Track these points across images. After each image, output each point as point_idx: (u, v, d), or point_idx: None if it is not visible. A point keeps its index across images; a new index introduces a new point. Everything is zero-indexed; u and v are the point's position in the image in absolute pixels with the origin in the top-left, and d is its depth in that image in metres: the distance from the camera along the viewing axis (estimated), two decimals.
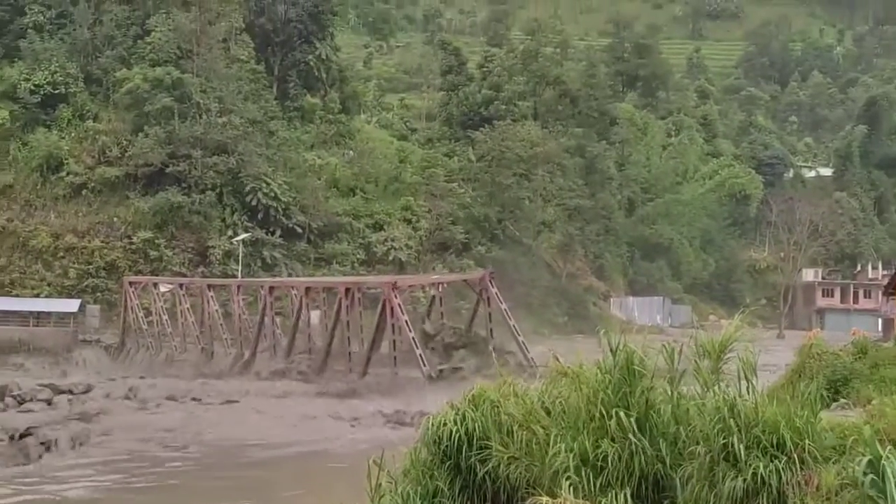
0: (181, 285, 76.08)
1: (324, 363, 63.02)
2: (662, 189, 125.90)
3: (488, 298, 64.35)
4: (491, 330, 64.07)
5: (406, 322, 59.12)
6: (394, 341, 59.16)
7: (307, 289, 68.47)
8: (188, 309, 74.02)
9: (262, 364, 65.80)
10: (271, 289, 69.97)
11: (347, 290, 64.26)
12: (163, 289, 77.83)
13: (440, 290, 68.78)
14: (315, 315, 71.86)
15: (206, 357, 71.17)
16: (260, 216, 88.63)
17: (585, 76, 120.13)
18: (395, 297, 59.68)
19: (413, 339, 58.67)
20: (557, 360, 12.47)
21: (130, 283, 78.72)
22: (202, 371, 67.04)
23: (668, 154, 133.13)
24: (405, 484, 12.40)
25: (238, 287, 72.96)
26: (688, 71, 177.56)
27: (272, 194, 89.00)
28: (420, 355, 57.21)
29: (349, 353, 62.24)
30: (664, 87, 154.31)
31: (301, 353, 65.93)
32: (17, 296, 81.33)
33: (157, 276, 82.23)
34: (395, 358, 58.87)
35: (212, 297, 72.76)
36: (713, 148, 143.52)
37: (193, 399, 56.02)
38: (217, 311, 72.37)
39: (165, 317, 75.25)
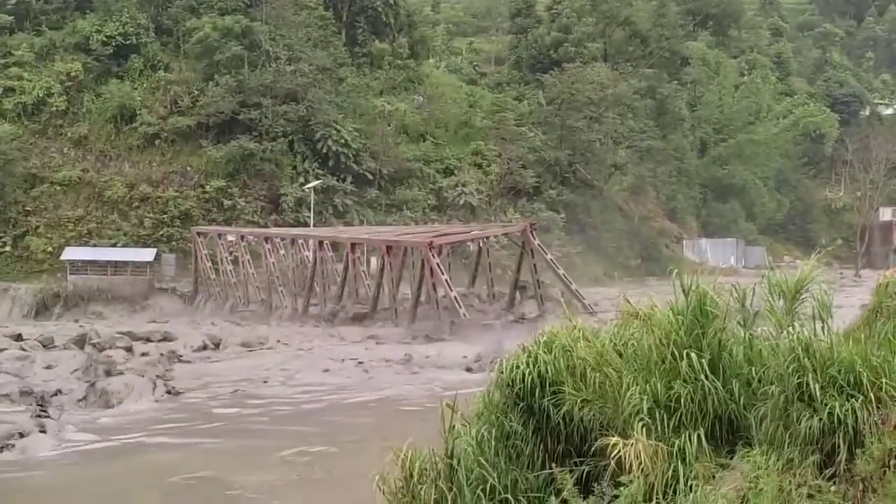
0: (242, 236, 76.61)
1: (372, 311, 63.06)
2: (735, 129, 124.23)
3: (532, 250, 63.62)
4: (538, 280, 63.60)
5: (447, 281, 58.82)
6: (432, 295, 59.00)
7: (353, 245, 68.28)
8: (248, 260, 74.69)
9: (317, 313, 66.20)
10: (321, 243, 69.99)
11: (389, 248, 64.01)
12: (229, 238, 78.63)
13: (483, 243, 67.82)
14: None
15: (266, 307, 71.76)
16: (331, 163, 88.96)
17: (656, 16, 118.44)
18: (434, 255, 59.17)
19: (455, 297, 58.15)
20: (629, 302, 12.46)
21: (198, 233, 79.68)
22: (266, 320, 67.67)
23: (740, 93, 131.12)
24: (479, 426, 12.51)
25: (292, 240, 72.94)
26: (760, 8, 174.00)
27: (342, 141, 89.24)
28: (463, 313, 57.07)
29: (395, 307, 61.98)
30: (736, 26, 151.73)
31: (358, 303, 66.02)
32: (94, 245, 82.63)
33: (230, 224, 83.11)
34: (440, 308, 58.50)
35: (269, 249, 73.30)
36: (787, 86, 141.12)
37: (264, 346, 56.78)
38: (274, 263, 72.71)
39: (230, 267, 76.00)
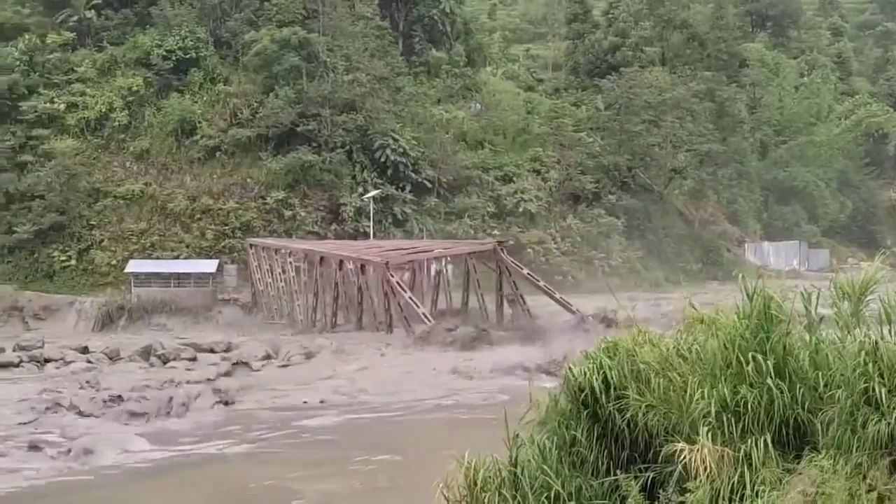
0: (289, 252, 75.85)
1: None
2: (796, 131, 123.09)
3: (507, 268, 65.10)
4: (521, 296, 64.84)
5: (410, 299, 60.84)
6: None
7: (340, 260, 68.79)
8: (293, 276, 74.69)
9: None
10: (321, 258, 70.40)
11: (363, 265, 65.06)
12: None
13: (445, 263, 68.46)
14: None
15: (310, 319, 71.53)
16: (389, 172, 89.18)
17: (713, 18, 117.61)
18: (391, 275, 60.99)
19: (424, 314, 60.02)
20: (693, 306, 12.40)
21: (251, 245, 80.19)
22: (318, 330, 67.68)
23: (801, 94, 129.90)
24: (542, 433, 12.50)
25: (321, 258, 72.00)
26: (820, 8, 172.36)
27: (401, 150, 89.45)
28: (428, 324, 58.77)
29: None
30: (795, 26, 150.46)
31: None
32: (157, 258, 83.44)
33: (290, 234, 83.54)
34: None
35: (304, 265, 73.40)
36: (848, 86, 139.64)
37: (326, 354, 56.99)
38: (318, 275, 72.46)
39: (280, 282, 75.82)
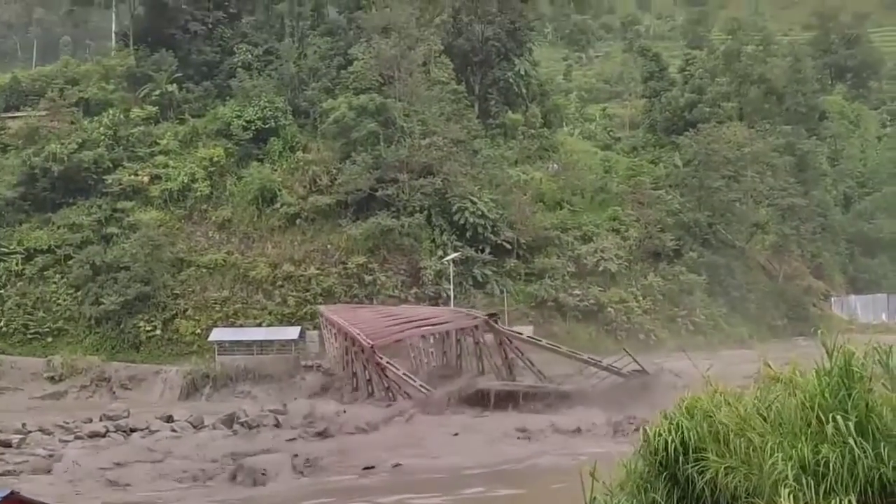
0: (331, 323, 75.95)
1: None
2: (880, 182, 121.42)
3: (506, 337, 66.87)
4: (527, 359, 66.36)
5: (404, 375, 62.82)
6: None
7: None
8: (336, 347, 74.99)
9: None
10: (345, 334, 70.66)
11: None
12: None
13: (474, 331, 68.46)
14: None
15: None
16: (468, 234, 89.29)
17: (791, 72, 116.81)
18: (380, 358, 63.00)
19: (422, 386, 61.56)
20: (768, 365, 12.16)
21: (321, 314, 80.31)
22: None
23: (883, 145, 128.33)
24: (621, 497, 12.29)
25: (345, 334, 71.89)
26: None
27: (479, 212, 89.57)
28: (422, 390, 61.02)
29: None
30: (876, 77, 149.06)
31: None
32: (240, 325, 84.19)
33: (371, 300, 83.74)
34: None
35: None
36: None
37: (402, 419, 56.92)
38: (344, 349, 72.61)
39: (334, 351, 75.89)
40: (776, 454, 10.74)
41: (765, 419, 11.50)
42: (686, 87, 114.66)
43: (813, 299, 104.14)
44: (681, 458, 11.85)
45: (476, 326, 67.04)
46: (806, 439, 10.75)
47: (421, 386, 61.68)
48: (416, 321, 70.49)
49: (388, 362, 63.58)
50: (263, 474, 41.75)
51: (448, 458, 45.83)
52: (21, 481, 38.41)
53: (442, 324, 69.88)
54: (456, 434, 52.28)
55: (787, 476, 10.55)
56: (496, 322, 66.98)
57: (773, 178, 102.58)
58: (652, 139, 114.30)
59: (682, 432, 11.90)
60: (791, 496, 10.33)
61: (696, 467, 11.69)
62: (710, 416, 11.84)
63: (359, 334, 65.14)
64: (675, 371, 55.63)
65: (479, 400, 60.06)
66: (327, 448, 49.46)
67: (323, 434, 53.92)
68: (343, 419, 56.81)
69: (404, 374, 63.15)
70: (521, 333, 69.47)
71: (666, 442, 11.98)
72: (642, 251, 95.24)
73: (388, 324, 69.65)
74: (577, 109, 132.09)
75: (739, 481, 11.20)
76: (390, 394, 62.45)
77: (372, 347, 63.09)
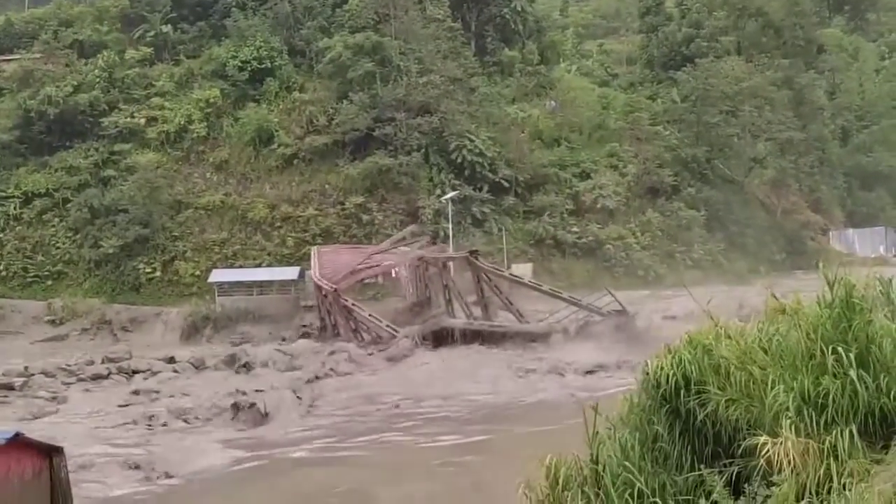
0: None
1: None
2: (878, 115, 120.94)
3: (484, 273, 66.90)
4: (507, 297, 66.55)
5: (370, 316, 63.55)
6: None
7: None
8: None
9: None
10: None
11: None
12: None
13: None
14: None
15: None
16: (466, 173, 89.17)
17: (789, 4, 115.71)
18: (345, 300, 64.55)
19: (388, 326, 62.12)
20: (774, 297, 12.20)
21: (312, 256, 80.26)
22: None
23: (882, 78, 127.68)
24: (624, 430, 12.39)
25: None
26: None
27: (477, 150, 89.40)
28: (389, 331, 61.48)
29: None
30: (874, 9, 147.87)
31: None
32: (240, 266, 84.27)
33: (370, 240, 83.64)
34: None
35: None
36: None
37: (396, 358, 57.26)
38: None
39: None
40: (777, 386, 10.81)
41: (766, 352, 11.57)
42: (683, 21, 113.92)
43: (811, 233, 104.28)
44: (682, 392, 11.92)
45: (445, 263, 67.10)
46: (807, 371, 10.81)
47: (387, 326, 62.18)
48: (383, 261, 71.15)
49: (353, 304, 64.43)
50: (266, 414, 42.00)
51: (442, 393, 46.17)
52: (25, 423, 38.65)
53: (390, 263, 70.76)
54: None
55: (787, 408, 10.62)
56: (476, 259, 66.63)
57: (772, 113, 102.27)
58: (649, 75, 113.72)
59: (684, 366, 11.97)
60: (792, 427, 10.40)
61: (698, 400, 11.76)
62: (711, 350, 11.90)
63: (319, 280, 66.10)
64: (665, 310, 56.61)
65: (445, 338, 60.43)
66: (332, 386, 49.80)
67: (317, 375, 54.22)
68: (333, 360, 57.28)
69: (370, 315, 63.69)
70: (501, 271, 69.50)
71: (667, 376, 12.04)
72: (640, 187, 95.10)
73: (355, 265, 70.05)
74: (574, 46, 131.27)
75: (740, 413, 11.27)
76: (358, 335, 63.24)
77: (335, 290, 63.98)
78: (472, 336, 60.70)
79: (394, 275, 71.66)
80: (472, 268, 66.40)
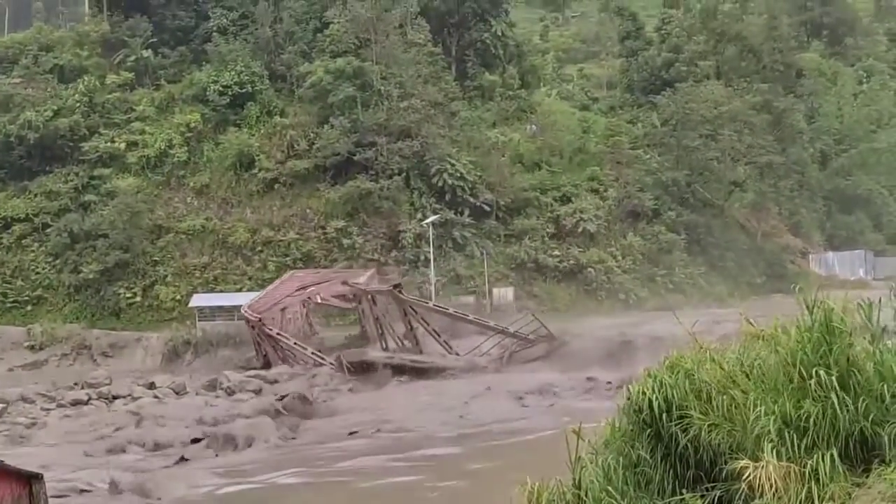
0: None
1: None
2: (856, 139, 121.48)
3: (410, 307, 66.66)
4: (434, 329, 66.35)
5: (295, 345, 64.60)
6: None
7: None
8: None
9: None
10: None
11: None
12: None
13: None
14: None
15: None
16: (447, 197, 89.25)
17: (767, 29, 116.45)
18: (269, 329, 64.90)
19: (314, 352, 63.40)
20: (749, 322, 12.25)
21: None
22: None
23: (860, 102, 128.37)
24: (607, 454, 12.39)
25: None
26: (876, 14, 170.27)
27: (458, 174, 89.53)
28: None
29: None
30: (852, 34, 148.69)
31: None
32: (220, 291, 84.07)
33: (351, 264, 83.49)
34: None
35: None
36: None
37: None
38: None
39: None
40: (759, 409, 10.84)
41: (747, 376, 11.60)
42: (663, 46, 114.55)
43: (791, 256, 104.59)
44: (664, 416, 11.93)
45: (372, 296, 66.93)
46: (788, 395, 10.85)
47: (313, 353, 62.80)
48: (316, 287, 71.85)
49: (278, 333, 64.75)
50: (248, 438, 41.86)
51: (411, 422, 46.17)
52: (3, 450, 38.39)
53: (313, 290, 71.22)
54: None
55: (769, 431, 10.65)
56: (400, 292, 66.51)
57: (751, 137, 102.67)
58: (630, 99, 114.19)
59: (665, 390, 11.98)
60: (774, 451, 10.43)
61: (680, 425, 11.78)
62: (693, 374, 11.92)
63: (246, 311, 66.89)
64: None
65: (366, 370, 60.62)
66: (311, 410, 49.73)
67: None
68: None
69: (295, 343, 64.31)
70: (426, 302, 69.79)
71: (649, 400, 12.05)
72: (621, 211, 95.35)
73: (288, 293, 70.80)
74: (555, 70, 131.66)
75: (723, 438, 11.30)
76: (289, 363, 63.47)
77: (260, 320, 64.67)
78: (396, 369, 60.77)
79: (318, 301, 71.58)
80: (396, 301, 66.39)
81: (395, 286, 67.30)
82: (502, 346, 64.24)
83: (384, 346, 65.56)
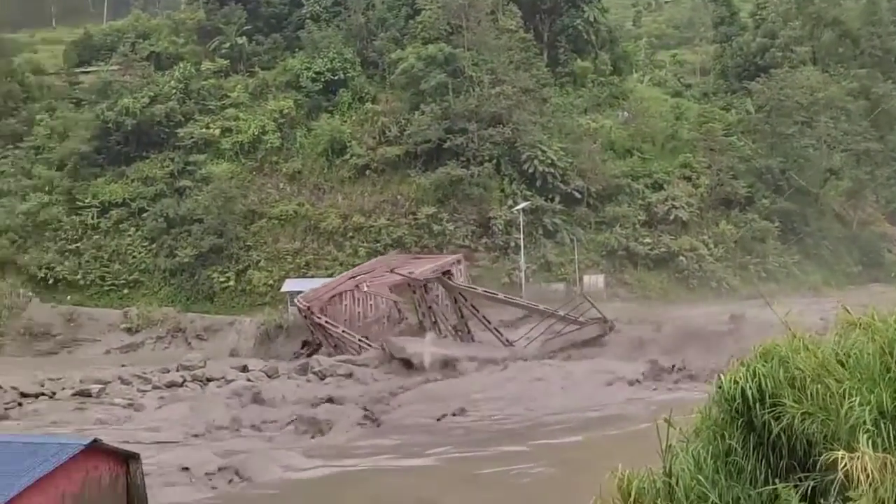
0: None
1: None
2: None
3: (459, 293, 66.60)
4: (484, 316, 66.19)
5: (343, 332, 64.14)
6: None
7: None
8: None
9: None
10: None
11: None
12: None
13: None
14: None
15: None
16: (538, 184, 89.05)
17: (866, 14, 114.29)
18: (318, 317, 65.02)
19: (361, 340, 63.02)
20: (847, 311, 12.06)
21: None
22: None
23: None
24: (697, 443, 12.30)
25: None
26: None
27: (549, 161, 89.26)
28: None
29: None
30: None
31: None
32: (312, 276, 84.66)
33: (441, 249, 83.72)
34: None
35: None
36: None
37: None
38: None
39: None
40: (854, 399, 10.69)
41: (843, 365, 11.43)
42: (758, 31, 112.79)
43: (888, 245, 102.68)
44: (757, 405, 11.81)
45: (425, 285, 65.83)
46: (885, 385, 10.69)
47: (360, 340, 62.87)
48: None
49: (326, 321, 64.91)
50: (337, 421, 42.23)
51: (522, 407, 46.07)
52: (102, 430, 39.19)
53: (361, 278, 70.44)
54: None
55: (865, 421, 10.50)
56: (450, 279, 66.33)
57: (848, 123, 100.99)
58: (723, 85, 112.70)
59: (759, 379, 11.86)
60: (869, 441, 10.28)
61: (772, 413, 11.65)
62: (787, 363, 11.78)
63: (299, 300, 67.34)
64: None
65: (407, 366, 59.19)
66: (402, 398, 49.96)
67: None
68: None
69: (343, 330, 64.35)
70: (475, 288, 69.10)
71: (742, 389, 11.94)
72: (714, 198, 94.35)
73: (342, 281, 70.66)
74: (647, 56, 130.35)
75: (816, 427, 11.15)
76: (339, 350, 63.56)
77: (309, 308, 64.97)
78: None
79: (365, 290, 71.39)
80: (446, 288, 66.35)
81: (445, 272, 67.16)
82: (553, 332, 63.25)
83: (438, 334, 65.14)
